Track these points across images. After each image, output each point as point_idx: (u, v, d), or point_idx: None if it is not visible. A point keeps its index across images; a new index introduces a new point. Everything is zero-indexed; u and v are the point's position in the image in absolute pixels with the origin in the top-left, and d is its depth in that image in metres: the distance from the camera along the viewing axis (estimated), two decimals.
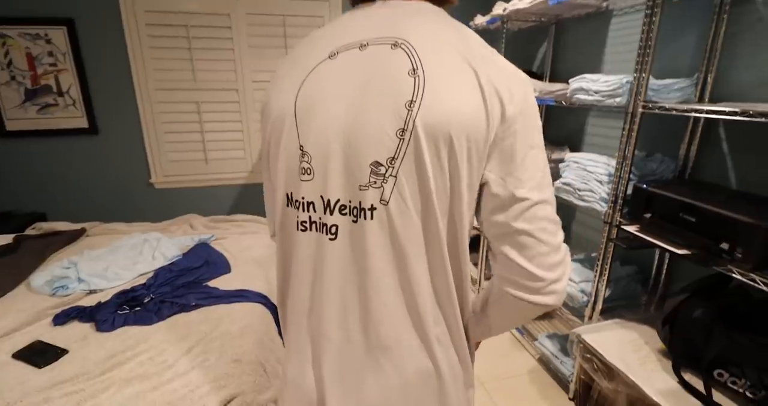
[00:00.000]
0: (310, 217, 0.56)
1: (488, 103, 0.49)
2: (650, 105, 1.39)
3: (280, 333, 1.52)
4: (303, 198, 0.56)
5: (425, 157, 0.49)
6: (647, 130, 1.63)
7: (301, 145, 0.54)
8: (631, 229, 1.41)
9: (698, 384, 1.17)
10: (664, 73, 1.57)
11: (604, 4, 1.87)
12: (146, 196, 2.86)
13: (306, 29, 2.77)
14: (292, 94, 0.55)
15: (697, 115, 1.22)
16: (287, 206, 0.59)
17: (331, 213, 0.54)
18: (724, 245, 1.17)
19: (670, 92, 1.49)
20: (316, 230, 0.56)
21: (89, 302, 1.45)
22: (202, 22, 2.60)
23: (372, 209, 0.52)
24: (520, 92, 0.51)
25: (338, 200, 0.54)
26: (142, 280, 1.61)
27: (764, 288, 1.04)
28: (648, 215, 1.42)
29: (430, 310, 0.56)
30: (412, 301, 0.55)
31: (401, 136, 0.49)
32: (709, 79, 1.47)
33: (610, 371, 1.34)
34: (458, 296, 0.59)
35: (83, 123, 2.62)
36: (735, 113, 1.11)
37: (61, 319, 1.33)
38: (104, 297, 1.48)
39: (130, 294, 1.46)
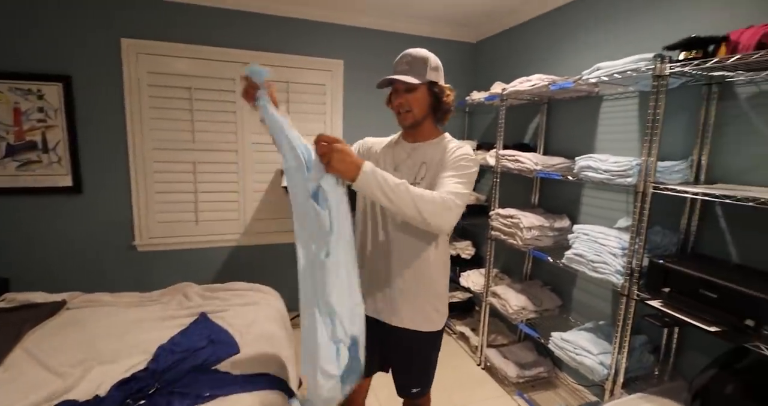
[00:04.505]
0: None
1: None
2: (660, 186, 1.49)
3: None
4: None
5: None
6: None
7: None
8: (656, 304, 1.45)
9: None
10: (660, 155, 1.72)
11: (596, 90, 2.07)
12: (127, 260, 2.65)
13: (309, 96, 2.85)
14: None
15: (705, 198, 1.33)
16: None
17: None
18: (750, 322, 1.23)
19: (671, 173, 1.62)
20: None
21: (83, 394, 1.27)
22: (207, 86, 2.62)
23: None
24: None
25: None
26: (139, 362, 1.44)
27: None
28: (666, 290, 1.47)
29: None
30: None
31: None
32: (702, 162, 1.63)
33: None
34: None
35: (67, 181, 2.47)
36: (729, 197, 1.27)
37: None
38: (101, 388, 1.30)
39: (133, 385, 1.29)
